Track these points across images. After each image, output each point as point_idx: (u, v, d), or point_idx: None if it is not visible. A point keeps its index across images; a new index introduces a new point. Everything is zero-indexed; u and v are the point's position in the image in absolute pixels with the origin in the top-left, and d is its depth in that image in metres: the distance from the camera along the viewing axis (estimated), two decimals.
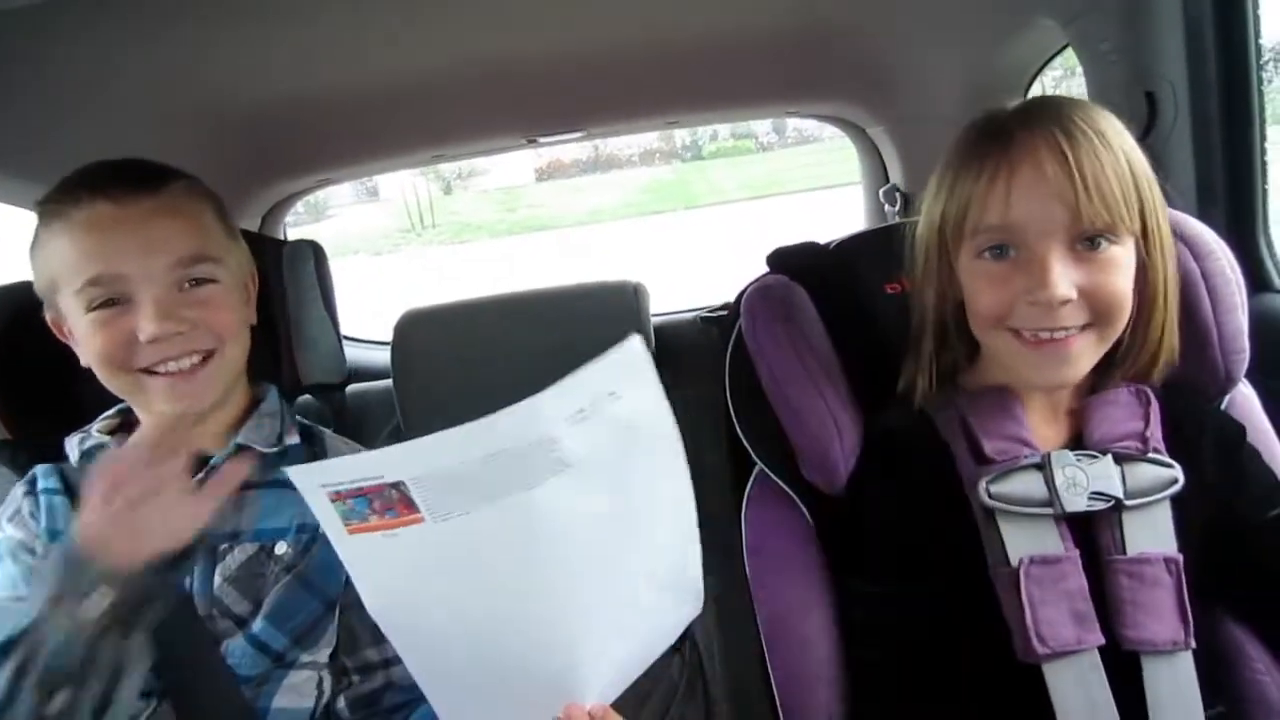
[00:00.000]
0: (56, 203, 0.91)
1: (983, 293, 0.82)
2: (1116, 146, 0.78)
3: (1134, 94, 1.10)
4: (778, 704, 0.91)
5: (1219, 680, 0.84)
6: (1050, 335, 0.79)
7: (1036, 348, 0.80)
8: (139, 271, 0.89)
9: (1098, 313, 0.79)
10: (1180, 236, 0.88)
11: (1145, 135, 1.10)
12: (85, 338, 0.91)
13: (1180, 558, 0.79)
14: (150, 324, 0.88)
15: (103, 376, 0.92)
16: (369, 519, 0.63)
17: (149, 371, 0.91)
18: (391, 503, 0.62)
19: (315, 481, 0.62)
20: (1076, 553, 0.80)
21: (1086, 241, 0.78)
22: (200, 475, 0.95)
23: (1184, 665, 0.78)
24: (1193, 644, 0.78)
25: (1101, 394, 0.86)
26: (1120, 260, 0.79)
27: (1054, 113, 0.80)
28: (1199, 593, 0.80)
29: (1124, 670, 0.78)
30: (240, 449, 0.97)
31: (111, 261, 0.89)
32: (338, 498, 0.63)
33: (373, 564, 0.66)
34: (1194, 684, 0.78)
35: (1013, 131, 0.80)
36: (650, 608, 0.76)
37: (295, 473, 0.63)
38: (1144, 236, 0.80)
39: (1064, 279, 0.76)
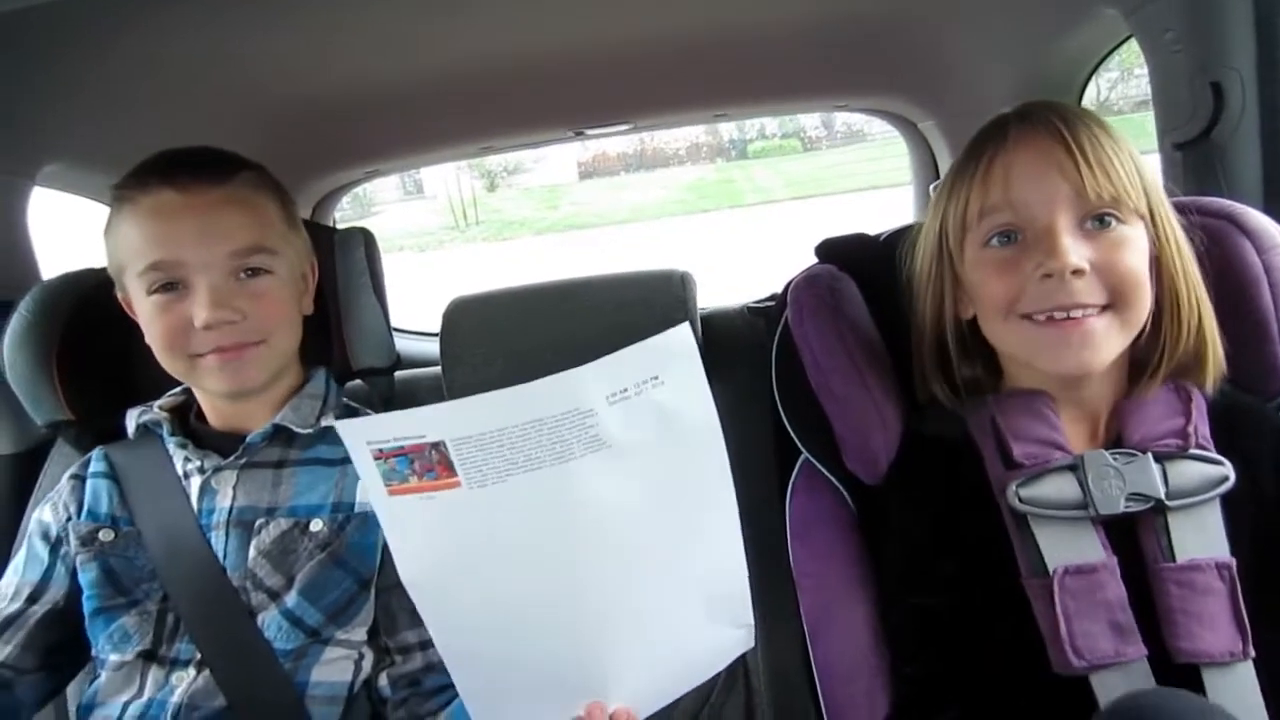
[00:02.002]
0: (127, 188, 0.95)
1: (991, 280, 0.81)
2: (1115, 134, 0.79)
3: (1199, 85, 1.07)
4: (819, 693, 0.90)
5: None
6: (1066, 315, 0.77)
7: (1052, 327, 0.78)
8: (197, 259, 0.93)
9: (1113, 291, 0.77)
10: (1243, 229, 0.86)
11: (1210, 128, 1.07)
12: (147, 319, 0.95)
13: (1233, 562, 0.76)
14: (204, 311, 0.92)
15: (161, 358, 0.96)
16: (409, 479, 0.64)
17: (202, 355, 0.95)
18: (431, 464, 0.63)
19: (361, 438, 0.64)
20: (1114, 560, 0.78)
21: (1095, 220, 0.78)
22: (238, 453, 0.98)
23: (1245, 676, 0.74)
24: (1252, 653, 0.74)
25: (1138, 395, 0.83)
26: (1131, 239, 0.78)
27: (1049, 105, 0.81)
28: (1263, 598, 0.77)
29: (1183, 682, 0.74)
30: (277, 429, 1.01)
31: (172, 248, 0.92)
32: (381, 456, 0.64)
33: (409, 527, 0.67)
34: (1257, 694, 0.74)
35: (1009, 127, 0.81)
36: (687, 623, 0.76)
37: (343, 427, 0.64)
38: (1153, 224, 0.80)
39: (1074, 249, 0.76)
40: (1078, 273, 0.76)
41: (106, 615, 0.96)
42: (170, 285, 0.93)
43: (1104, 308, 0.78)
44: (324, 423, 1.03)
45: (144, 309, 0.96)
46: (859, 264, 0.98)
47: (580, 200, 20.11)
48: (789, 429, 0.97)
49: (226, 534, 0.97)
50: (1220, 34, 1.04)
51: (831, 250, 1.00)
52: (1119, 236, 0.78)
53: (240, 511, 0.98)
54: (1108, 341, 0.78)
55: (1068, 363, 0.79)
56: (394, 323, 1.26)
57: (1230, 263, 0.85)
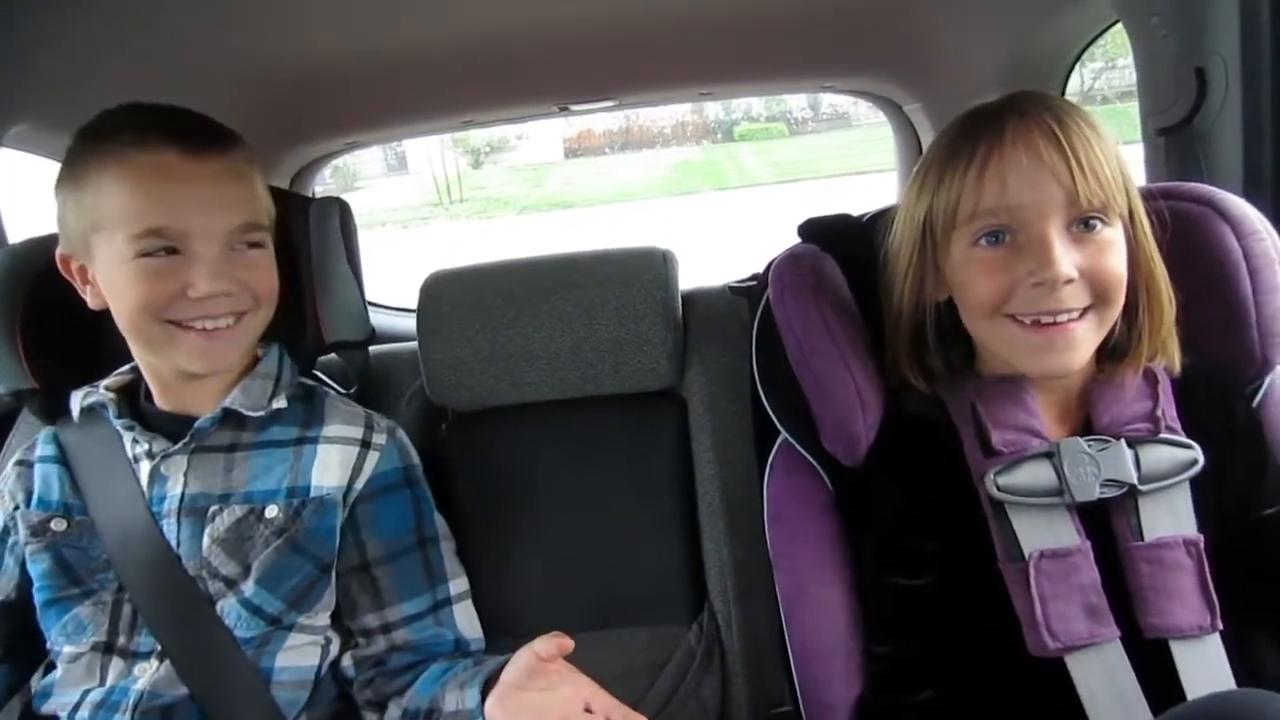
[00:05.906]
0: (113, 140, 0.88)
1: (980, 280, 0.81)
2: (1102, 132, 0.80)
3: (1183, 71, 1.07)
4: (794, 674, 0.90)
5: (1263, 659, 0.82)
6: (1053, 320, 0.78)
7: (1038, 331, 0.79)
8: (202, 229, 0.89)
9: (1098, 294, 0.78)
10: (1223, 215, 0.87)
11: (1193, 114, 1.07)
12: (124, 283, 0.89)
13: (1201, 539, 0.78)
14: (204, 282, 0.88)
15: (134, 324, 0.90)
16: None
17: (183, 326, 0.90)
18: None
19: None
20: (1088, 544, 0.79)
21: (1081, 224, 0.78)
22: (186, 439, 0.95)
23: (1214, 648, 0.77)
24: (1220, 626, 0.77)
25: (1106, 378, 0.84)
26: (1115, 241, 0.79)
27: (1043, 101, 0.81)
28: (1231, 572, 0.79)
29: (1154, 657, 0.77)
30: (227, 413, 0.96)
31: (176, 215, 0.88)
32: None
33: None
34: (1225, 665, 0.76)
35: (1005, 119, 0.80)
36: None
37: None
38: (1130, 221, 0.81)
39: (1066, 258, 0.76)
40: (1068, 281, 0.76)
41: (60, 606, 0.93)
42: (167, 250, 0.88)
43: (1086, 309, 0.79)
44: (275, 405, 0.99)
45: (123, 272, 0.88)
46: (841, 244, 0.97)
47: (565, 179, 20.03)
48: (768, 409, 0.96)
49: (179, 522, 0.93)
50: (1205, 20, 1.03)
51: (814, 230, 0.99)
52: (1104, 240, 0.78)
53: (192, 499, 0.94)
54: (1087, 342, 0.80)
55: (1051, 366, 0.80)
56: (372, 299, 1.24)
57: (1209, 248, 0.86)
